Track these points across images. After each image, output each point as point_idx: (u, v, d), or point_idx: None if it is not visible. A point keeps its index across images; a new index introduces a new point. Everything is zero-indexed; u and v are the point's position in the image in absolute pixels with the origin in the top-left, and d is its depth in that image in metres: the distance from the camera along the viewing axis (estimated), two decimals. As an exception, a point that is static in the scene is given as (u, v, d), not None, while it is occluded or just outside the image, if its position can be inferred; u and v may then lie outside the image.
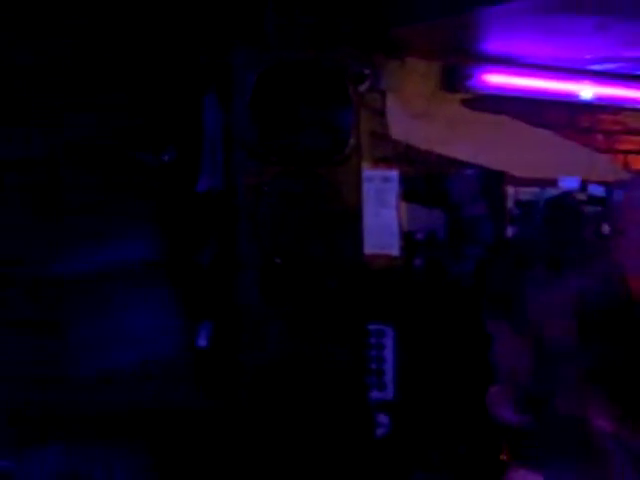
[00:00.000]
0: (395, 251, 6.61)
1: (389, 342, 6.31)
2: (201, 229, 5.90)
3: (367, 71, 6.09)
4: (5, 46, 5.56)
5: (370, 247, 6.19)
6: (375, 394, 6.25)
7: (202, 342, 5.79)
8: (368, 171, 6.38)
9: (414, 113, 6.92)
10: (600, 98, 7.78)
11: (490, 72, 7.18)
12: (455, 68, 7.11)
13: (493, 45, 6.87)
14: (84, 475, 5.71)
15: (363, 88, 6.11)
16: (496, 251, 6.54)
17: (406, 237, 6.68)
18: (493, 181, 6.91)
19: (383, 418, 6.30)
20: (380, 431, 6.27)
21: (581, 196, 7.01)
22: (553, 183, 7.08)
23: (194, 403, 5.73)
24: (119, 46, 5.78)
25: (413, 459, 6.33)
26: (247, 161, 5.74)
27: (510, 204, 6.94)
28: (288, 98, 5.74)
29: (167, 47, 5.80)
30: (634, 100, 8.01)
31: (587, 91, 7.66)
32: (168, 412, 5.70)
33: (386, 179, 6.61)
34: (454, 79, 7.11)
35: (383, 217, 6.57)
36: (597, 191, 7.15)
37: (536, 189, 6.99)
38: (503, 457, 5.32)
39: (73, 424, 5.81)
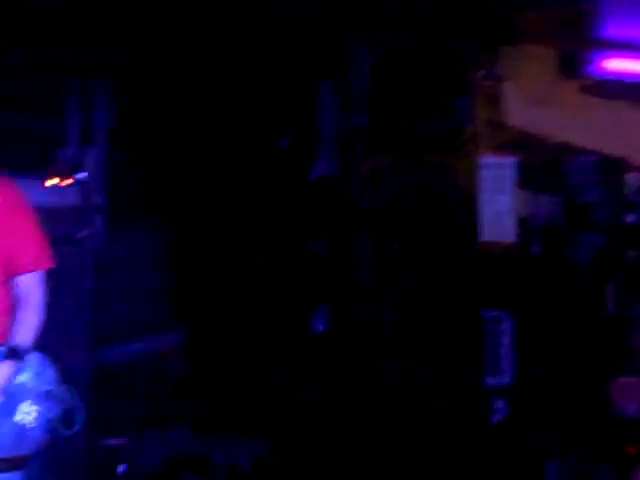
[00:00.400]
0: (511, 238, 6.57)
1: (506, 328, 6.29)
2: (316, 216, 5.96)
3: (484, 57, 6.07)
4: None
5: (486, 234, 6.18)
6: (491, 380, 6.23)
7: (319, 327, 5.86)
8: (484, 158, 6.36)
9: (532, 100, 6.86)
10: None
11: (609, 58, 7.07)
12: (574, 54, 7.02)
13: (612, 30, 6.77)
14: (205, 458, 5.81)
15: (480, 75, 6.09)
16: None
17: (523, 224, 6.63)
18: (611, 168, 6.82)
19: (499, 404, 6.27)
20: (496, 417, 6.25)
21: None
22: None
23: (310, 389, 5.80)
24: (236, 34, 5.86)
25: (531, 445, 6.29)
26: (363, 148, 5.78)
27: (629, 191, 6.84)
28: (404, 85, 5.76)
29: (283, 34, 5.85)
30: None
31: None
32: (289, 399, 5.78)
33: (503, 166, 6.57)
34: (573, 65, 7.02)
35: (499, 204, 6.53)
36: None
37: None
38: (630, 450, 5.25)
39: (197, 408, 5.96)
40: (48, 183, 5.65)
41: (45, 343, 4.15)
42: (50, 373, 4.05)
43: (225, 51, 5.83)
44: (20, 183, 5.23)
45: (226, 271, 6.09)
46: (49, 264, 4.16)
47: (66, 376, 4.14)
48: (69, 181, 5.70)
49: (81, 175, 5.87)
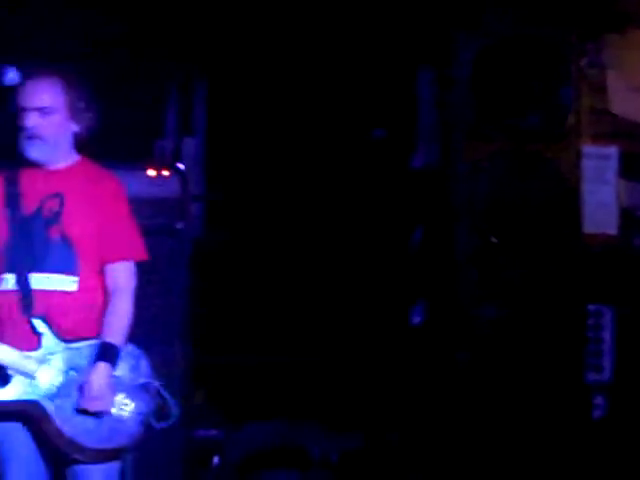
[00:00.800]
0: (613, 230, 6.43)
1: (608, 323, 6.16)
2: (415, 208, 5.90)
3: (588, 45, 5.94)
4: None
5: (587, 226, 6.05)
6: (591, 376, 6.11)
7: (416, 320, 5.80)
8: (587, 148, 6.23)
9: (636, 87, 6.70)
10: None
11: None
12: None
13: None
14: (299, 450, 5.81)
15: (584, 63, 5.96)
16: None
17: (625, 215, 6.48)
18: None
19: (599, 400, 6.16)
20: (596, 413, 6.13)
21: None
22: None
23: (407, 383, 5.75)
24: (335, 23, 5.82)
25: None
26: (464, 138, 5.70)
27: None
28: (506, 74, 5.66)
29: (384, 23, 5.79)
30: None
31: None
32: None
33: (605, 156, 6.43)
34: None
35: (601, 195, 6.40)
36: None
37: None
38: None
39: (292, 400, 5.96)
40: (147, 174, 5.66)
41: (140, 334, 4.16)
42: (145, 366, 4.06)
43: (324, 41, 5.80)
44: (119, 174, 5.33)
45: (323, 263, 6.06)
46: (142, 255, 4.14)
47: (160, 369, 4.15)
48: (167, 172, 5.70)
49: (179, 166, 5.89)
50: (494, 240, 5.70)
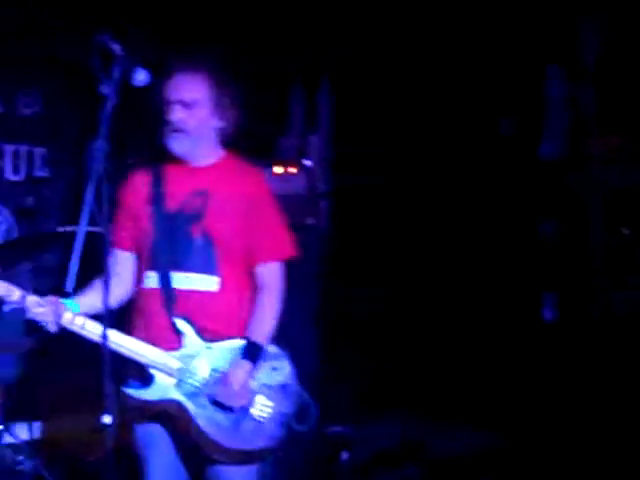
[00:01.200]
0: None
1: None
2: (545, 200, 5.80)
3: None
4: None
5: None
6: None
7: (548, 314, 5.71)
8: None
9: None
10: None
11: None
12: None
13: None
14: (425, 444, 5.77)
15: None
16: None
17: None
18: None
19: None
20: None
21: None
22: None
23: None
24: (460, 18, 5.76)
25: None
26: (592, 130, 5.60)
27: None
28: (633, 66, 5.53)
29: (510, 18, 5.70)
30: None
31: None
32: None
33: None
34: None
35: None
36: None
37: None
38: None
39: (414, 394, 5.93)
40: (274, 171, 5.66)
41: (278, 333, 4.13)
42: (287, 368, 3.99)
43: (454, 37, 5.74)
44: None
45: (454, 257, 6.01)
46: (293, 252, 4.02)
47: (298, 367, 4.09)
48: (294, 169, 5.70)
49: (306, 162, 5.88)
50: (625, 232, 5.58)
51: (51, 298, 3.72)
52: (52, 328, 3.73)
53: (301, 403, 4.00)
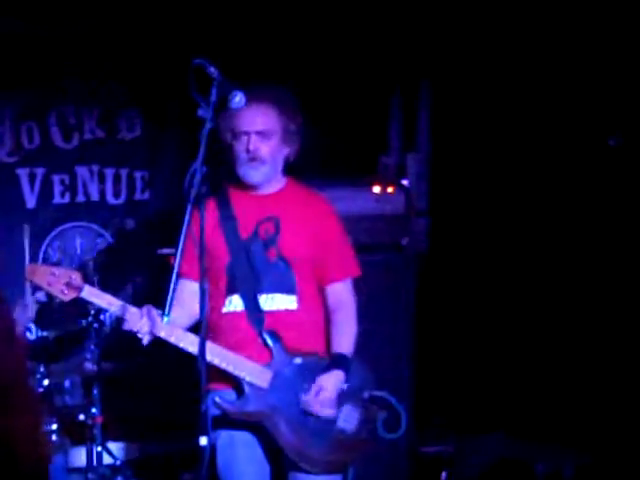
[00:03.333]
0: None
1: None
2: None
3: None
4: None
5: None
6: None
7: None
8: None
9: None
10: None
11: None
12: None
13: None
14: (526, 465, 5.68)
15: None
16: None
17: None
18: None
19: None
20: None
21: None
22: None
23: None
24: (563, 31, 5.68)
25: None
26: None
27: None
28: None
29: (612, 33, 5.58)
30: None
31: None
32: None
33: None
34: None
35: None
36: None
37: None
38: None
39: (511, 414, 5.85)
40: (372, 191, 5.66)
41: (369, 347, 4.26)
42: (371, 379, 4.14)
43: (554, 45, 5.66)
44: (344, 191, 5.35)
45: (553, 277, 5.90)
46: (358, 272, 4.24)
47: (388, 382, 4.19)
48: (392, 189, 5.68)
49: (403, 182, 5.87)
50: None
51: (148, 309, 3.90)
52: (147, 340, 3.92)
53: (388, 412, 4.11)
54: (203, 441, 3.51)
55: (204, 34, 5.92)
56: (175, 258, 3.88)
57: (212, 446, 3.83)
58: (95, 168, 6.44)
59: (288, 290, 4.08)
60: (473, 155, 6.15)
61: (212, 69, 3.59)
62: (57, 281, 3.94)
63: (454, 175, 6.20)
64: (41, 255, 6.28)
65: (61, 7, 5.82)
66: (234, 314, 4.07)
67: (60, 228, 6.36)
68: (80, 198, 6.42)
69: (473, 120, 6.12)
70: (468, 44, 5.96)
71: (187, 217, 3.62)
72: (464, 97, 6.10)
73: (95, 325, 5.17)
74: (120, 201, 6.50)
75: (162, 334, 3.91)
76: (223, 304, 4.09)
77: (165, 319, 3.81)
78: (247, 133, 4.04)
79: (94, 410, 5.14)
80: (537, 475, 5.66)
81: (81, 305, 4.44)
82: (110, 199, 6.48)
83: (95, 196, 6.45)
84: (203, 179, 3.56)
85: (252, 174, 4.07)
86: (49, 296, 5.34)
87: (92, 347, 5.17)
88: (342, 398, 4.03)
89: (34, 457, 3.32)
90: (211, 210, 4.07)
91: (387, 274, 5.57)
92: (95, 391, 5.15)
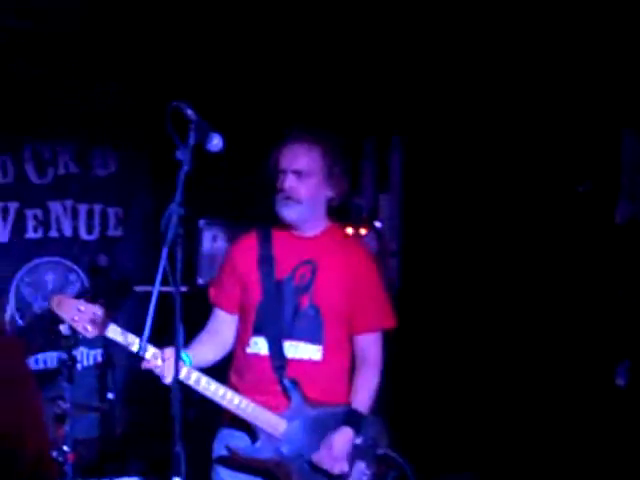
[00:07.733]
0: None
1: None
2: (623, 262, 5.70)
3: None
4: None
5: None
6: None
7: (621, 381, 5.60)
8: None
9: None
10: None
11: None
12: None
13: None
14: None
15: None
16: None
17: None
18: None
19: None
20: None
21: None
22: None
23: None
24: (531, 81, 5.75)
25: None
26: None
27: None
28: None
29: (586, 82, 5.65)
30: None
31: None
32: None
33: None
34: None
35: None
36: None
37: None
38: None
39: (484, 454, 5.85)
40: (345, 232, 5.67)
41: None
42: (385, 437, 4.08)
43: (525, 100, 5.71)
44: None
45: (523, 317, 5.94)
46: (393, 323, 4.16)
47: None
48: (364, 230, 5.71)
49: (376, 224, 5.89)
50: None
51: (169, 351, 3.77)
52: (167, 380, 3.78)
53: (399, 473, 4.05)
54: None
55: (181, 76, 5.97)
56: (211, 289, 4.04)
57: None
58: (69, 203, 6.47)
59: (314, 339, 3.99)
60: (444, 195, 6.19)
61: (189, 111, 3.52)
62: (82, 317, 3.85)
63: (425, 215, 6.24)
64: (12, 290, 6.29)
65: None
66: (257, 356, 4.01)
67: (32, 263, 6.38)
68: (53, 233, 6.43)
69: (445, 162, 6.17)
70: (440, 93, 6.00)
71: (163, 257, 3.40)
72: (437, 139, 6.16)
73: (68, 363, 5.16)
74: (93, 237, 6.52)
75: (182, 377, 3.77)
76: (248, 344, 4.03)
77: (187, 361, 3.82)
78: (285, 171, 4.00)
79: (65, 447, 5.10)
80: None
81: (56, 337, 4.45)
82: (83, 235, 6.51)
83: (68, 232, 6.47)
84: (179, 221, 3.47)
85: (286, 212, 4.00)
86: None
87: (64, 384, 5.15)
88: (355, 453, 3.97)
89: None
90: (252, 246, 4.06)
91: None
92: (67, 428, 5.13)
